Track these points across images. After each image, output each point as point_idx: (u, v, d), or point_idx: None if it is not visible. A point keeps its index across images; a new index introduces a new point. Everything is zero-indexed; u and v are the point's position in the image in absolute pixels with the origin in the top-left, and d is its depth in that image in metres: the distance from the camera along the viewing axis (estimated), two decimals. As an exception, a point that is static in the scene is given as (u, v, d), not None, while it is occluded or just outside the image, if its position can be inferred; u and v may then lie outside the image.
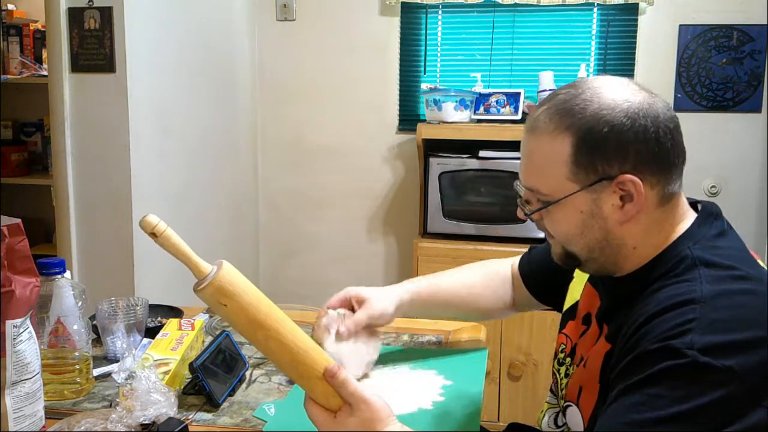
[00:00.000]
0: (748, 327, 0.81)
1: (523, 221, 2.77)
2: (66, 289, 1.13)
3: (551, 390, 1.16)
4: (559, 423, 1.10)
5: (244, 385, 1.18)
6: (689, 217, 0.96)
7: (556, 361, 1.14)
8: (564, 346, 1.12)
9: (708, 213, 0.97)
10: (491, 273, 1.36)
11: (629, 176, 0.89)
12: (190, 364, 1.07)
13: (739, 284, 0.85)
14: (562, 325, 1.15)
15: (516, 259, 1.37)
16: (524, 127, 0.98)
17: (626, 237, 0.93)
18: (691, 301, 0.83)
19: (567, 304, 1.16)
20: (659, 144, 0.89)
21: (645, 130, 0.89)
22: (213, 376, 1.10)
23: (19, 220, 0.92)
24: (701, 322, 0.80)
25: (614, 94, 0.91)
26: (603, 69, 3.04)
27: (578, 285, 1.13)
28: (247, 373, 1.22)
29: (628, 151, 0.89)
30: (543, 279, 1.28)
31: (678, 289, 0.86)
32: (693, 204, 0.99)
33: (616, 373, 0.86)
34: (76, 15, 2.20)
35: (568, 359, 1.09)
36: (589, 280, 1.09)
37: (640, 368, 0.82)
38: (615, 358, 0.90)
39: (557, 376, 1.13)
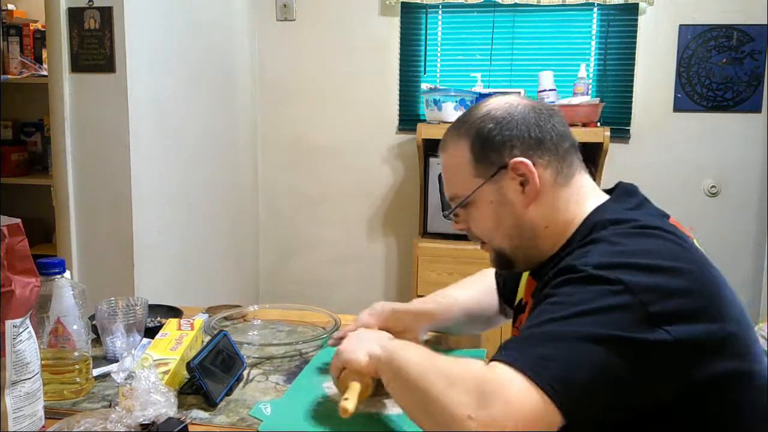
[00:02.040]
0: (643, 255, 0.87)
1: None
2: (66, 289, 1.13)
3: None
4: None
5: (241, 385, 1.18)
6: (601, 197, 1.05)
7: None
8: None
9: (623, 191, 1.05)
10: (485, 283, 1.41)
11: (518, 159, 1.01)
12: (188, 364, 1.07)
13: (641, 230, 0.93)
14: (514, 320, 1.21)
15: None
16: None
17: (535, 218, 1.03)
18: (592, 241, 0.94)
19: (516, 301, 1.22)
20: (541, 130, 1.03)
21: (525, 120, 1.03)
22: (210, 375, 1.10)
23: (19, 220, 0.92)
24: (597, 250, 0.90)
25: (498, 102, 1.06)
26: (603, 69, 3.04)
27: (522, 282, 1.20)
28: (245, 373, 1.22)
29: (513, 140, 1.02)
30: (510, 286, 1.32)
31: (586, 240, 0.96)
32: (611, 190, 1.08)
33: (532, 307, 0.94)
34: (76, 15, 2.20)
35: None
36: (530, 274, 1.15)
37: (547, 290, 0.90)
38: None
39: None
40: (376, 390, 1.07)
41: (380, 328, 1.23)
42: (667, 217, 1.01)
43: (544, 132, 1.03)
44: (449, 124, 3.19)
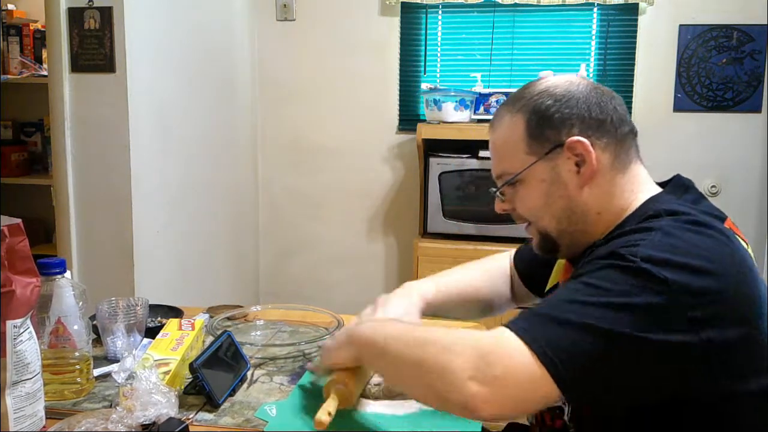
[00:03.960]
0: (691, 256, 0.83)
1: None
2: (66, 289, 1.13)
3: None
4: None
5: (245, 386, 1.18)
6: (656, 188, 1.02)
7: None
8: None
9: (678, 184, 1.02)
10: (491, 267, 1.37)
11: (576, 138, 0.97)
12: (190, 364, 1.07)
13: (694, 226, 0.89)
14: None
15: (513, 252, 1.39)
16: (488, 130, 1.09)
17: (589, 202, 1.00)
18: (648, 229, 0.89)
19: (549, 286, 1.18)
20: (602, 111, 0.99)
21: (586, 100, 0.99)
22: (213, 376, 1.10)
23: (19, 221, 0.92)
24: (649, 241, 0.85)
25: (558, 79, 1.03)
26: (603, 69, 3.04)
27: (558, 267, 1.16)
28: (249, 373, 1.22)
29: (572, 119, 0.98)
30: (536, 271, 1.28)
31: (639, 226, 0.92)
32: (665, 183, 1.05)
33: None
34: (76, 15, 2.20)
35: None
36: (568, 259, 1.12)
37: (586, 268, 0.87)
38: None
39: None
40: (387, 393, 1.07)
41: None
42: (724, 218, 0.97)
43: (605, 113, 0.99)
44: (449, 124, 3.18)
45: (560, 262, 1.15)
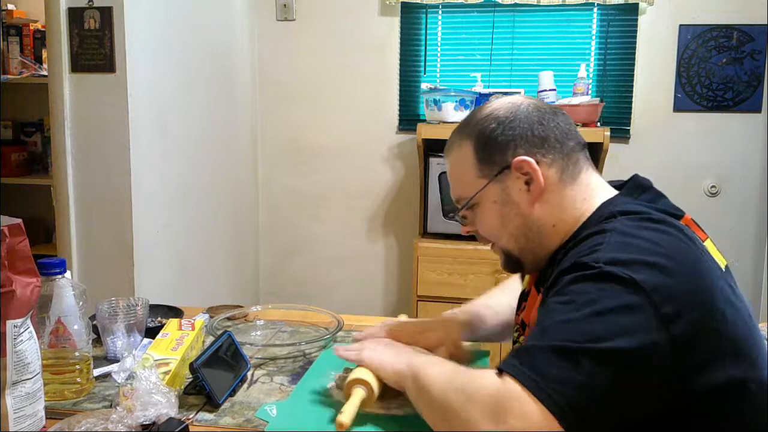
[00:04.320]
0: (654, 252, 0.86)
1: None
2: (66, 289, 1.13)
3: None
4: None
5: (245, 386, 1.18)
6: (611, 193, 1.04)
7: (513, 345, 1.17)
8: (517, 326, 1.16)
9: (635, 185, 1.04)
10: (515, 289, 1.38)
11: (522, 157, 1.01)
12: (191, 364, 1.07)
13: (650, 224, 0.91)
14: (518, 308, 1.20)
15: None
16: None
17: (542, 217, 1.03)
18: (602, 231, 0.91)
19: (522, 290, 1.20)
20: (544, 129, 1.02)
21: (527, 119, 1.02)
22: (214, 376, 1.10)
23: (19, 221, 0.92)
24: (608, 244, 0.88)
25: (501, 102, 1.07)
26: (603, 69, 3.04)
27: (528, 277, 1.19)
28: (249, 374, 1.22)
29: (516, 140, 1.02)
30: None
31: (593, 229, 0.94)
32: (620, 185, 1.07)
33: (540, 304, 0.93)
34: (76, 15, 2.20)
35: (521, 337, 1.13)
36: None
37: (555, 287, 0.89)
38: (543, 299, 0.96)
39: None
40: (383, 395, 1.07)
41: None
42: (682, 215, 0.99)
43: (548, 130, 1.02)
44: (449, 124, 3.19)
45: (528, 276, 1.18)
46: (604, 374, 0.79)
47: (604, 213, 0.98)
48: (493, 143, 1.03)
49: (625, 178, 1.09)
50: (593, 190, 1.04)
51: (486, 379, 0.84)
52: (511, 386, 0.80)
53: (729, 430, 0.87)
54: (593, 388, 0.79)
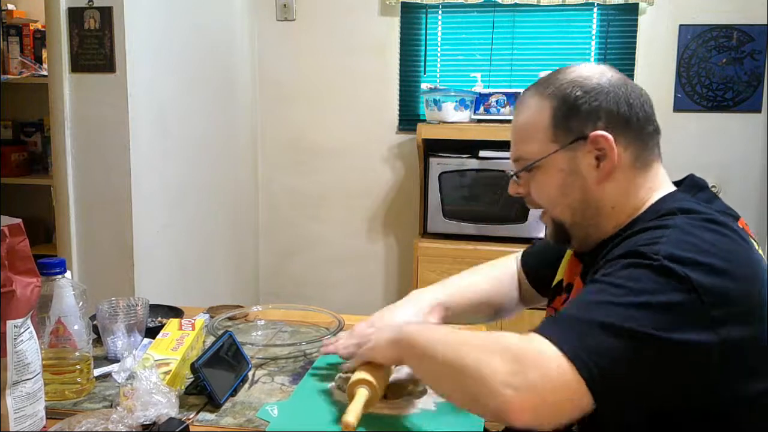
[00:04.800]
0: (714, 255, 0.84)
1: (524, 221, 2.76)
2: (66, 289, 1.13)
3: None
4: None
5: (246, 386, 1.18)
6: (671, 188, 1.02)
7: None
8: None
9: (693, 184, 1.02)
10: (499, 271, 1.37)
11: (601, 132, 0.97)
12: (192, 364, 1.07)
13: (711, 225, 0.89)
14: (550, 301, 1.17)
15: (519, 254, 1.38)
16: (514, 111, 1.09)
17: (604, 197, 1.00)
18: (663, 227, 0.89)
19: (555, 282, 1.18)
20: (630, 109, 0.98)
21: (616, 95, 0.98)
22: (215, 376, 1.10)
23: (19, 221, 0.92)
24: (669, 238, 0.86)
25: (590, 69, 1.02)
26: (603, 69, 3.04)
27: (564, 263, 1.16)
28: (250, 374, 1.22)
29: (599, 113, 0.98)
30: (544, 272, 1.28)
31: (653, 223, 0.92)
32: (679, 182, 1.05)
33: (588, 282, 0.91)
34: (76, 15, 2.20)
35: None
36: (575, 254, 1.12)
37: (608, 269, 0.87)
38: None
39: None
40: (386, 395, 1.07)
41: None
42: (738, 218, 0.98)
43: (632, 110, 0.99)
44: (449, 124, 3.18)
45: (566, 258, 1.15)
46: (643, 359, 0.79)
47: (664, 208, 0.95)
48: (576, 111, 0.98)
49: None
50: (659, 182, 1.01)
51: (513, 336, 0.82)
52: (544, 344, 0.79)
53: None
54: (629, 369, 0.79)
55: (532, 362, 0.78)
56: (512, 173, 1.08)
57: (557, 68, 1.05)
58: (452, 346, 0.87)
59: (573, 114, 0.99)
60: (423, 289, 1.32)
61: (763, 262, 0.91)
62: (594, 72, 1.01)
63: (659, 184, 1.01)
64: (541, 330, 0.81)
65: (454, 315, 1.29)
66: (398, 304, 1.25)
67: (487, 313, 1.34)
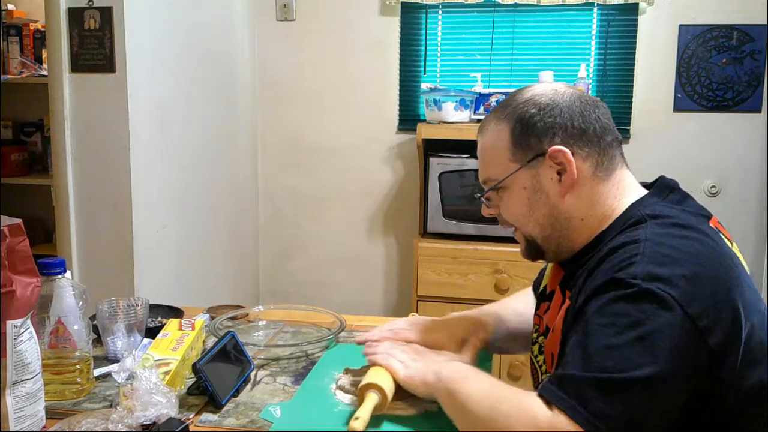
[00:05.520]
0: (687, 263, 0.86)
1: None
2: (66, 289, 1.13)
3: (533, 382, 1.17)
4: None
5: (249, 386, 1.18)
6: (641, 193, 1.03)
7: (532, 346, 1.16)
8: (537, 327, 1.15)
9: (663, 186, 1.03)
10: (528, 301, 1.36)
11: (557, 147, 1.00)
12: (193, 365, 1.07)
13: (680, 230, 0.92)
14: (536, 308, 1.18)
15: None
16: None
17: (571, 209, 1.02)
18: (635, 241, 0.90)
19: (540, 288, 1.19)
20: (584, 121, 1.01)
21: (569, 110, 1.01)
22: (217, 376, 1.09)
23: (19, 221, 0.92)
24: (644, 255, 0.87)
25: (544, 87, 1.06)
26: (603, 69, 3.04)
27: (548, 269, 1.18)
28: (252, 374, 1.22)
29: (555, 128, 1.01)
30: (538, 284, 1.29)
31: (625, 236, 0.94)
32: (649, 185, 1.07)
33: (572, 316, 0.93)
34: (76, 15, 2.20)
35: (541, 337, 1.12)
36: (557, 263, 1.13)
37: (589, 306, 0.88)
38: (572, 307, 0.96)
39: (534, 362, 1.15)
40: (397, 394, 1.08)
41: (421, 343, 1.21)
42: (710, 217, 1.00)
43: (588, 123, 1.01)
44: (449, 124, 3.18)
45: (550, 265, 1.17)
46: (652, 400, 0.81)
47: (634, 215, 0.97)
48: (531, 129, 1.02)
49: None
50: (625, 189, 1.03)
51: (534, 408, 0.84)
52: (561, 420, 0.81)
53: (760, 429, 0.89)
54: (642, 417, 0.80)
55: None
56: (478, 195, 1.12)
57: (515, 90, 1.10)
58: (486, 411, 0.89)
59: (530, 132, 1.02)
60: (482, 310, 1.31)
61: (735, 259, 0.94)
62: (547, 90, 1.04)
63: (626, 190, 1.03)
64: (551, 396, 0.83)
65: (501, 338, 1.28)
66: (455, 321, 1.25)
67: (519, 342, 1.31)
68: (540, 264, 1.21)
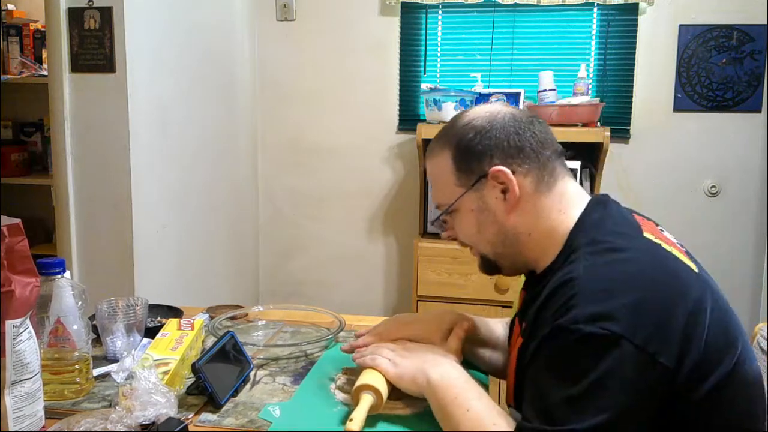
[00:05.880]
0: (624, 292, 0.87)
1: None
2: (66, 289, 1.13)
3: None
4: None
5: (248, 386, 1.18)
6: (583, 204, 1.05)
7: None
8: (509, 350, 1.17)
9: (596, 201, 1.05)
10: None
11: (497, 167, 1.02)
12: (192, 365, 1.07)
13: (611, 255, 0.93)
14: (510, 334, 1.21)
15: None
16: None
17: (518, 225, 1.05)
18: (570, 280, 0.91)
19: (511, 317, 1.21)
20: (520, 138, 1.03)
21: (504, 129, 1.04)
22: (216, 376, 1.10)
23: (19, 220, 0.92)
24: (580, 296, 0.88)
25: (479, 110, 1.08)
26: (603, 69, 3.04)
27: (516, 299, 1.20)
28: (252, 374, 1.22)
29: (492, 149, 1.03)
30: None
31: (563, 272, 0.95)
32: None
33: (527, 358, 0.96)
34: (76, 15, 2.20)
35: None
36: (523, 287, 1.15)
37: (540, 356, 0.91)
38: (524, 345, 0.99)
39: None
40: (394, 394, 1.08)
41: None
42: (631, 213, 1.03)
43: (524, 140, 1.03)
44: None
45: (519, 294, 1.19)
46: (629, 428, 0.85)
47: (574, 241, 0.99)
48: (471, 153, 1.04)
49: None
50: (568, 201, 1.05)
51: None
52: None
53: (727, 419, 0.91)
54: None
55: None
56: (433, 221, 1.16)
57: (454, 116, 1.12)
58: (472, 422, 0.94)
59: (470, 156, 1.05)
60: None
61: (678, 264, 0.94)
62: (482, 113, 1.07)
63: (569, 202, 1.04)
64: None
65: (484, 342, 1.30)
66: (438, 313, 1.27)
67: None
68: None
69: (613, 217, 1.02)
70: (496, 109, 1.07)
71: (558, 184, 1.05)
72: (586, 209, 1.04)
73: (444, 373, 1.04)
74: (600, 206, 1.04)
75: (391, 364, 1.10)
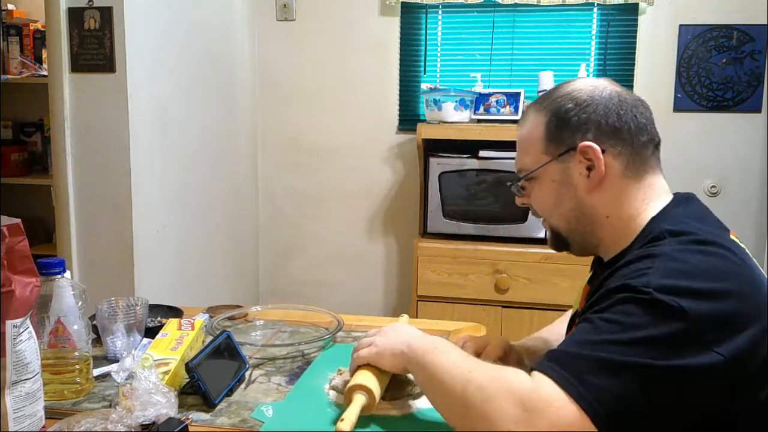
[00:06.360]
0: (702, 279, 0.85)
1: (524, 221, 2.76)
2: (66, 289, 1.13)
3: None
4: None
5: (243, 386, 1.18)
6: (667, 199, 1.02)
7: None
8: None
9: (682, 197, 1.03)
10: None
11: (588, 143, 1.00)
12: (186, 364, 1.07)
13: (698, 246, 0.91)
14: (568, 329, 1.18)
15: None
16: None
17: (597, 205, 1.03)
18: (651, 255, 0.90)
19: (572, 312, 1.19)
20: (619, 119, 1.01)
21: (606, 107, 1.01)
22: (210, 376, 1.09)
23: (19, 220, 0.92)
24: (658, 269, 0.87)
25: (585, 83, 1.06)
26: (603, 69, 3.04)
27: (578, 295, 1.17)
28: (247, 374, 1.22)
29: (588, 124, 1.01)
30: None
31: (643, 250, 0.93)
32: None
33: (584, 309, 0.93)
34: (76, 15, 2.20)
35: None
36: (588, 281, 1.13)
37: (600, 303, 0.89)
38: (588, 299, 0.97)
39: None
40: (382, 396, 1.07)
41: None
42: (728, 230, 0.98)
43: (623, 121, 1.01)
44: (449, 124, 3.18)
45: (580, 290, 1.17)
46: (647, 391, 0.81)
47: (654, 230, 0.96)
48: (565, 123, 1.02)
49: None
50: (654, 193, 1.02)
51: (517, 377, 0.85)
52: (549, 388, 0.81)
53: None
54: (635, 404, 0.80)
55: (539, 409, 0.80)
56: (509, 183, 1.13)
57: (558, 84, 1.10)
58: (460, 380, 0.89)
59: (564, 126, 1.02)
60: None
61: (756, 269, 0.92)
62: (587, 85, 1.04)
63: (654, 195, 1.02)
64: (545, 370, 0.83)
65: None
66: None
67: None
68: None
69: (700, 211, 1.00)
70: (602, 84, 1.04)
71: (648, 175, 1.02)
72: (670, 203, 1.01)
73: (423, 336, 1.03)
74: (686, 202, 1.02)
75: (373, 347, 1.08)
